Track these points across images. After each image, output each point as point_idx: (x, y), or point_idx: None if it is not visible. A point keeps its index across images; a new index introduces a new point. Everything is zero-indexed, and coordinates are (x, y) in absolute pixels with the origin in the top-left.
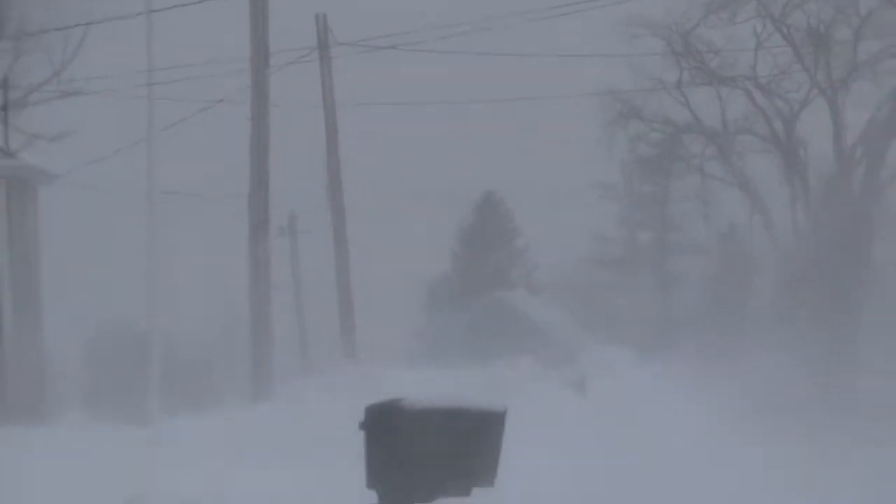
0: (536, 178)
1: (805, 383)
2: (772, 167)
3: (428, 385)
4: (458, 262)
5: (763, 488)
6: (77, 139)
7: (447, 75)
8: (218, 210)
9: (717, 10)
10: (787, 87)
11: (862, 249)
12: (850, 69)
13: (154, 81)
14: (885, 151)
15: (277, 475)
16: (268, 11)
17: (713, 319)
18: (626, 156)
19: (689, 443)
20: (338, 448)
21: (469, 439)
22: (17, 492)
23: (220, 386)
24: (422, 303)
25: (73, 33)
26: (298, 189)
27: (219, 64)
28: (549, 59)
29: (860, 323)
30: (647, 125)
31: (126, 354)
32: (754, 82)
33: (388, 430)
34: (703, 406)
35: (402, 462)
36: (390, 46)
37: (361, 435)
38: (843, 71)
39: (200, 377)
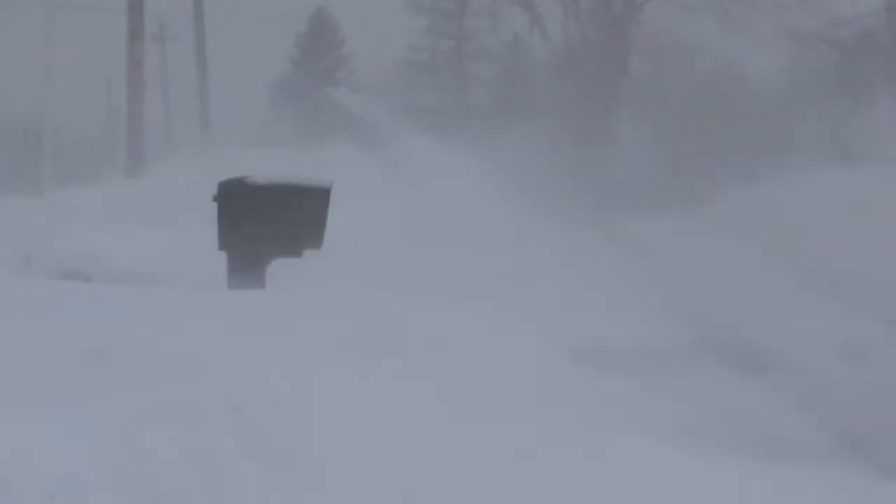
0: None
1: (561, 164)
2: None
3: (269, 165)
4: (295, 65)
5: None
6: None
7: None
8: (103, 19)
9: None
10: None
11: (619, 59)
12: None
13: None
14: None
15: (147, 235)
16: None
17: (498, 113)
18: None
19: (468, 201)
20: (196, 215)
21: (300, 210)
22: None
23: (102, 166)
24: (266, 98)
25: None
26: (170, 2)
27: None
28: None
29: (616, 119)
30: None
31: (24, 140)
32: None
33: (235, 201)
34: (481, 178)
35: (246, 228)
36: None
37: (215, 206)
38: None
39: (85, 159)
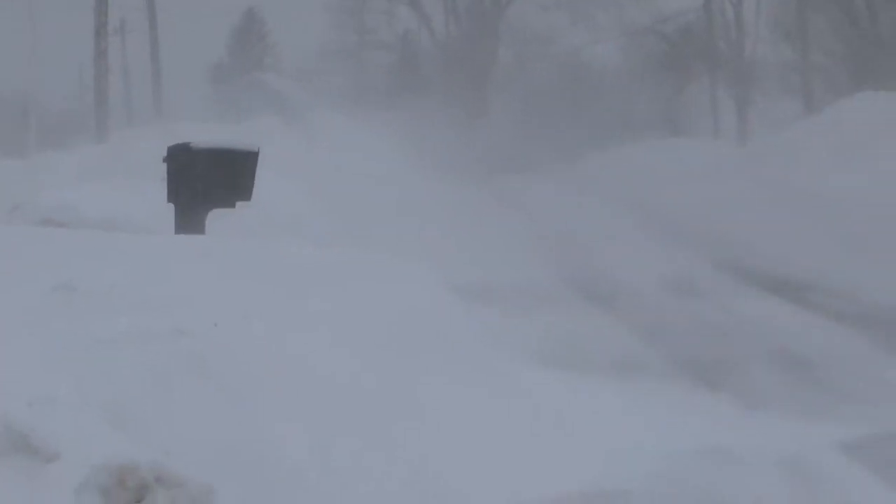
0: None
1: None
2: None
3: (208, 134)
4: (230, 51)
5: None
6: None
7: None
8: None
9: None
10: None
11: (489, 50)
12: None
13: None
14: None
15: (111, 190)
16: None
17: (399, 95)
18: None
19: (372, 163)
20: (151, 174)
21: (234, 169)
22: None
23: (76, 134)
24: (206, 79)
25: None
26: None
27: None
28: None
29: (489, 100)
30: None
31: (12, 114)
32: None
33: (180, 162)
34: (381, 147)
35: (189, 184)
36: None
37: (164, 166)
38: None
39: (63, 128)
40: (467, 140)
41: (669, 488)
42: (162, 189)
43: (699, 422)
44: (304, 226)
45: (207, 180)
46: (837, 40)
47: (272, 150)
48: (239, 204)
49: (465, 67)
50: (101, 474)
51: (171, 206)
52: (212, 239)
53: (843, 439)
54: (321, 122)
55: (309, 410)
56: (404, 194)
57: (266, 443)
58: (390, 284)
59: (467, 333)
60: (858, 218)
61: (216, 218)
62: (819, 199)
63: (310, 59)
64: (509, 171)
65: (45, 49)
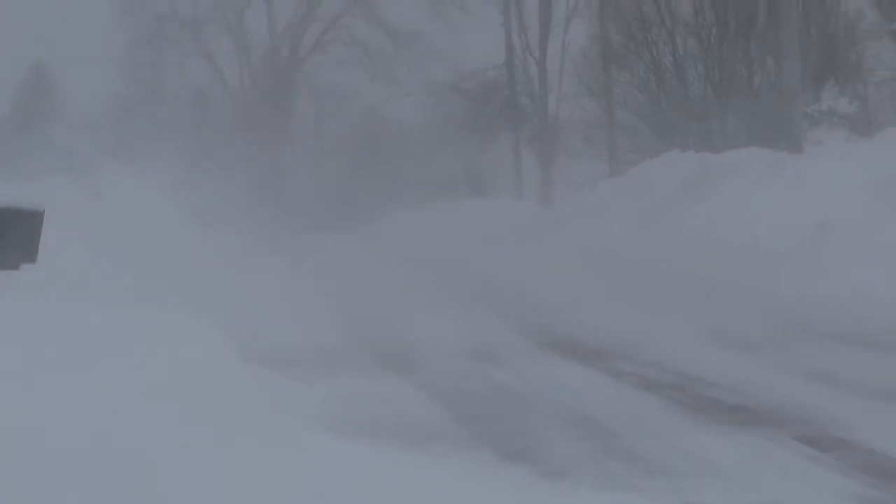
0: (71, 50)
1: (247, 191)
2: (228, 46)
3: None
4: (15, 105)
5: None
6: None
7: None
8: None
9: None
10: None
11: (286, 105)
12: None
13: None
14: (302, 35)
15: None
16: None
17: (196, 147)
18: (130, 35)
19: (167, 226)
20: None
21: (18, 229)
22: None
23: None
24: None
25: None
26: None
27: None
28: None
29: (285, 153)
30: (143, 15)
31: None
32: None
33: None
34: (175, 204)
35: None
36: None
37: None
38: None
39: None
40: (264, 196)
41: None
42: None
43: (492, 492)
44: (91, 285)
45: None
46: (643, 98)
47: (59, 207)
48: (24, 266)
49: (261, 122)
50: None
51: None
52: None
53: None
54: (111, 178)
55: (86, 482)
56: (196, 253)
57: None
58: (174, 347)
59: (250, 398)
60: (666, 282)
61: (1, 278)
62: (625, 261)
63: (101, 113)
64: (307, 229)
65: None
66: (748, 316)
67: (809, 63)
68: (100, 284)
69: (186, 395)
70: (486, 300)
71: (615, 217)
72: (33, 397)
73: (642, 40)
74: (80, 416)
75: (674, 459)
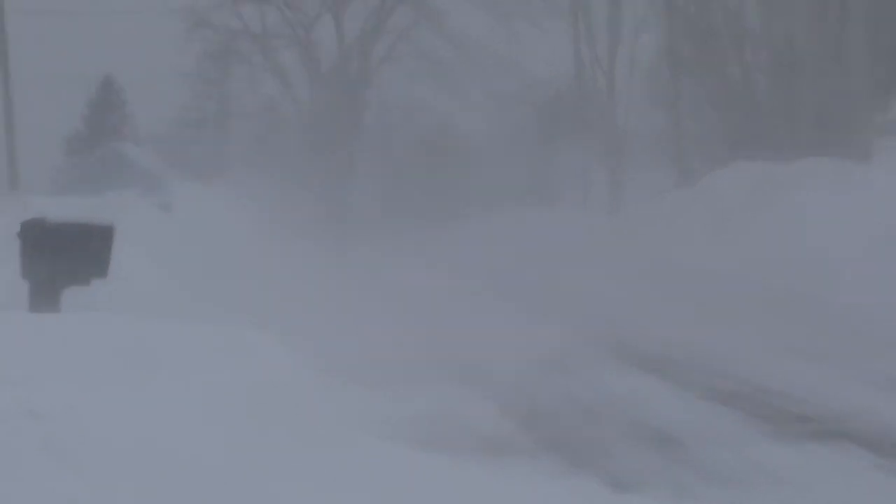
0: (140, 66)
1: (309, 211)
2: (295, 60)
3: (63, 208)
4: (86, 122)
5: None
6: None
7: None
8: None
9: None
10: (306, 4)
11: (354, 118)
12: None
13: None
14: (371, 48)
15: None
16: None
17: (260, 161)
18: (199, 51)
19: (236, 240)
20: (6, 250)
21: (88, 245)
22: None
23: None
24: (63, 150)
25: None
26: None
27: None
28: None
29: (352, 166)
30: (212, 30)
31: None
32: (284, 1)
33: (34, 237)
34: (244, 218)
35: (43, 260)
36: None
37: (18, 241)
38: None
39: None
40: (332, 209)
41: None
42: (16, 265)
43: (562, 502)
44: (161, 300)
45: (62, 256)
46: (712, 109)
47: (129, 223)
48: (95, 281)
49: (330, 135)
50: None
51: (26, 282)
52: (67, 317)
53: None
54: (179, 192)
55: (155, 488)
56: (265, 265)
57: None
58: (242, 360)
59: (320, 410)
60: (732, 294)
61: (72, 294)
62: (692, 273)
63: (169, 128)
64: (374, 239)
65: None
66: (813, 326)
67: (878, 72)
68: (170, 299)
69: (257, 406)
70: (558, 312)
71: (682, 228)
72: (106, 409)
73: (710, 51)
74: (150, 428)
75: (742, 469)
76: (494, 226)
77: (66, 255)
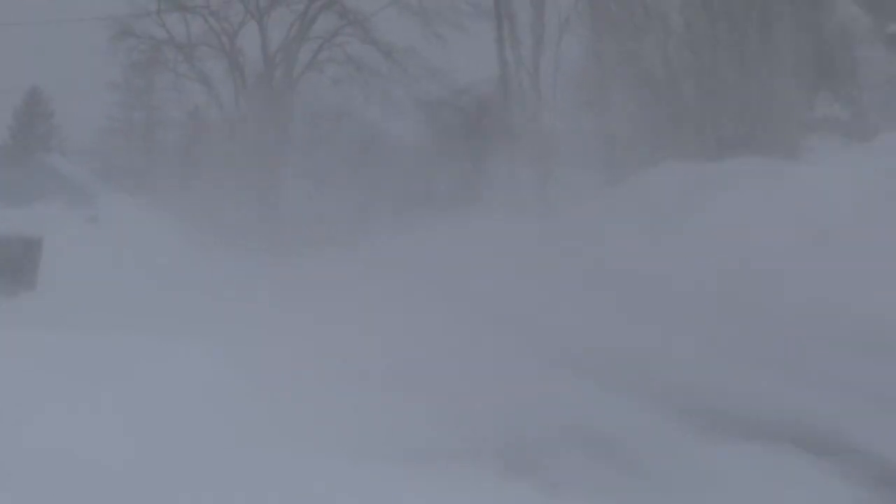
0: (67, 77)
1: (236, 219)
2: (222, 68)
3: None
4: (12, 132)
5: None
6: None
7: None
8: None
9: None
10: (231, 13)
11: (281, 125)
12: (271, 1)
13: None
14: (296, 55)
15: None
16: None
17: (184, 171)
18: (124, 60)
19: (164, 251)
20: None
21: (16, 257)
22: None
23: None
24: None
25: None
26: None
27: None
28: None
29: (280, 174)
30: (136, 40)
31: None
32: (208, 9)
33: None
34: (172, 228)
35: None
36: None
37: None
38: (267, 1)
39: None
40: (261, 217)
41: None
42: None
43: None
44: (88, 312)
45: None
46: (639, 109)
47: (57, 234)
48: (23, 293)
49: (257, 142)
50: None
51: None
52: None
53: None
54: (107, 204)
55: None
56: (192, 276)
57: None
58: (173, 370)
59: (249, 418)
60: (667, 297)
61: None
62: (626, 278)
63: (97, 138)
64: (304, 248)
65: None
66: (748, 327)
67: (804, 69)
68: (98, 311)
69: (189, 415)
70: (494, 323)
71: (613, 230)
72: (35, 427)
73: (634, 51)
74: (85, 440)
75: (676, 471)
76: (424, 237)
77: None
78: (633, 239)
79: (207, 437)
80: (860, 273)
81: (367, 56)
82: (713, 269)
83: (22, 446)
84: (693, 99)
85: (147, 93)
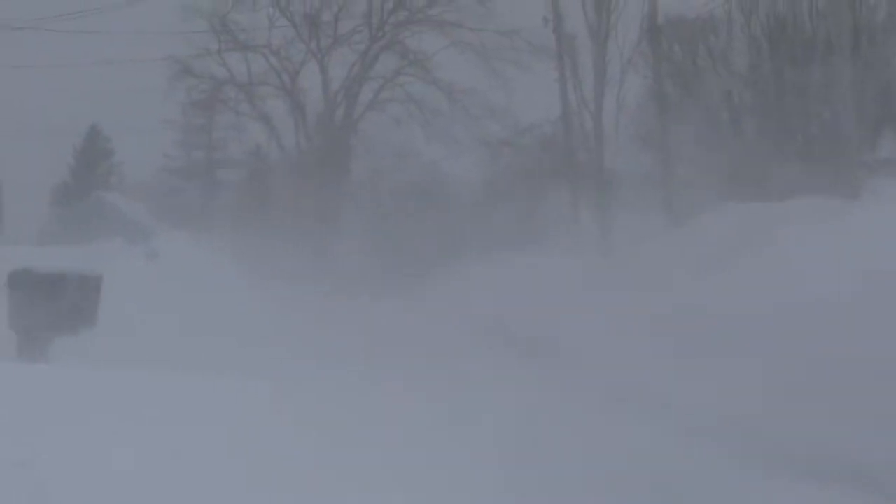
0: (127, 116)
1: (296, 258)
2: (282, 107)
3: (50, 258)
4: (73, 172)
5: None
6: None
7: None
8: None
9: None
10: (292, 52)
11: (342, 164)
12: (332, 41)
13: None
14: (357, 94)
15: None
16: None
17: (243, 209)
18: (184, 99)
19: (223, 288)
20: None
21: (76, 294)
22: None
23: None
24: (48, 201)
25: None
26: None
27: None
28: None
29: (339, 214)
30: (197, 79)
31: None
32: (269, 49)
33: (20, 288)
34: (231, 266)
35: (30, 309)
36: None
37: (5, 291)
38: (328, 41)
39: None
40: (319, 256)
41: None
42: (3, 315)
43: None
44: (148, 350)
45: (50, 306)
46: (700, 151)
47: (116, 272)
48: (83, 329)
49: (316, 182)
50: None
51: (13, 333)
52: (52, 367)
53: None
54: (166, 242)
55: None
56: (251, 314)
57: None
58: (231, 410)
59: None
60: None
61: (61, 343)
62: (685, 312)
63: (156, 177)
64: (361, 287)
65: None
66: (803, 367)
67: (866, 110)
68: (157, 349)
69: (242, 455)
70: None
71: (673, 270)
72: (92, 459)
73: (697, 92)
74: (135, 479)
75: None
76: (484, 274)
77: (53, 305)
78: (699, 279)
79: (275, 480)
80: None
81: (429, 96)
82: (767, 307)
83: (80, 483)
84: (755, 139)
85: (206, 131)
